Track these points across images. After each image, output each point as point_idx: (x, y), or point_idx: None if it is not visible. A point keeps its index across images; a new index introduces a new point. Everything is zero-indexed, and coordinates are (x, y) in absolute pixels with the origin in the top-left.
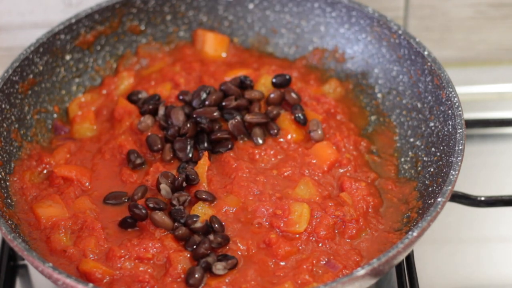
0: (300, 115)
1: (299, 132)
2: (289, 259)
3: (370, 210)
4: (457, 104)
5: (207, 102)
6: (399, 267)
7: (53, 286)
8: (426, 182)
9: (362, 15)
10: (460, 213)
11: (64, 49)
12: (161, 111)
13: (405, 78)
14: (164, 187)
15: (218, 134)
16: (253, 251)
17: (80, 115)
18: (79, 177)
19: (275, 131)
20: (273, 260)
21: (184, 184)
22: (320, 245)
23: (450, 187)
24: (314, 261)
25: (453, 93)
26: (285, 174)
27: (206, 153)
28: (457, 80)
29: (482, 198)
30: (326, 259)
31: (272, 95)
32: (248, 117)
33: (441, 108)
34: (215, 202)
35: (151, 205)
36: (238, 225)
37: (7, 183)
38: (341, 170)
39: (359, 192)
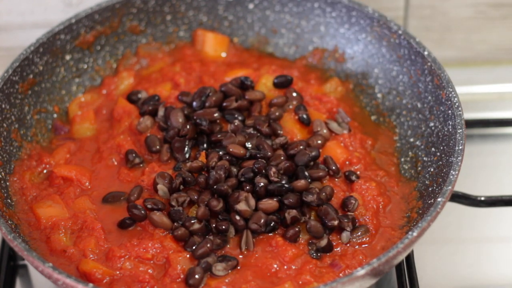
0: (303, 115)
1: (303, 132)
2: (295, 261)
3: (381, 210)
4: (457, 104)
5: (207, 104)
6: (399, 267)
7: (53, 286)
8: (426, 182)
9: (362, 15)
10: (460, 213)
11: (64, 49)
12: (161, 112)
13: (405, 78)
14: (161, 188)
15: (218, 136)
16: (257, 255)
17: (80, 115)
18: (79, 177)
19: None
20: (278, 262)
21: (181, 187)
22: None
23: (450, 187)
24: (318, 262)
25: (453, 93)
26: None
27: (203, 153)
28: (457, 80)
29: (482, 198)
30: (331, 259)
31: (275, 100)
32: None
33: (441, 108)
34: None
35: (149, 206)
36: None
37: (7, 183)
38: (352, 169)
39: (369, 193)
